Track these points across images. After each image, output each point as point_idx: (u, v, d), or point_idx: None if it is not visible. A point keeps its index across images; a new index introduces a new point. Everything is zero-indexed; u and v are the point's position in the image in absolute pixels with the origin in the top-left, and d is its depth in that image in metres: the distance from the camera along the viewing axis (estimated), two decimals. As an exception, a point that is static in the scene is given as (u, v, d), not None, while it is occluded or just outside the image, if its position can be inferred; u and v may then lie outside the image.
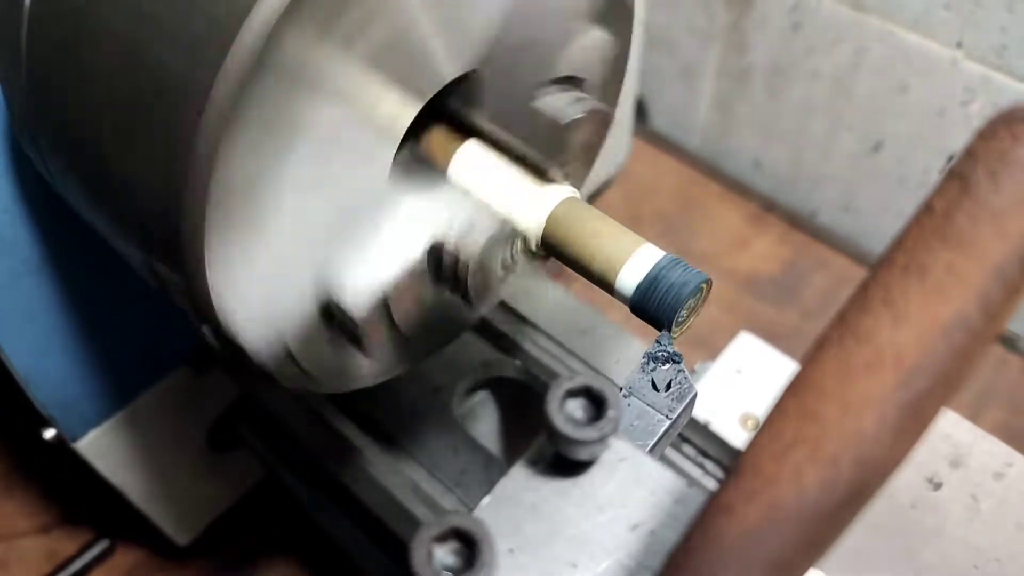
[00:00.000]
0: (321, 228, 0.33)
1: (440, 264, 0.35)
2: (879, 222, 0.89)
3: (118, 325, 0.55)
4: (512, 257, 0.37)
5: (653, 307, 0.34)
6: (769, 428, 0.20)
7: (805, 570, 0.19)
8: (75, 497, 0.76)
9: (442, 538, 0.23)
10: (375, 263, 0.34)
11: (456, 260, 0.34)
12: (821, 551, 0.19)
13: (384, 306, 0.35)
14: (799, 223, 0.95)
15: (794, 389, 0.20)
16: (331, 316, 0.34)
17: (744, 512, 0.19)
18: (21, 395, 0.53)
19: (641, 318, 0.35)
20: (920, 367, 0.19)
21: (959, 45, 0.74)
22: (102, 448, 0.59)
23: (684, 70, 0.96)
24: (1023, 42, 0.71)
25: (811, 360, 0.20)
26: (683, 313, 0.34)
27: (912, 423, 0.19)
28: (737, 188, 0.98)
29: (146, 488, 0.64)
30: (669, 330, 0.34)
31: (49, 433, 0.56)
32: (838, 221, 0.93)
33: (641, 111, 1.03)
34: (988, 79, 0.74)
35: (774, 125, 0.92)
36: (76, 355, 0.54)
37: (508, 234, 0.36)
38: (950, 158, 0.80)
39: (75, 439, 0.57)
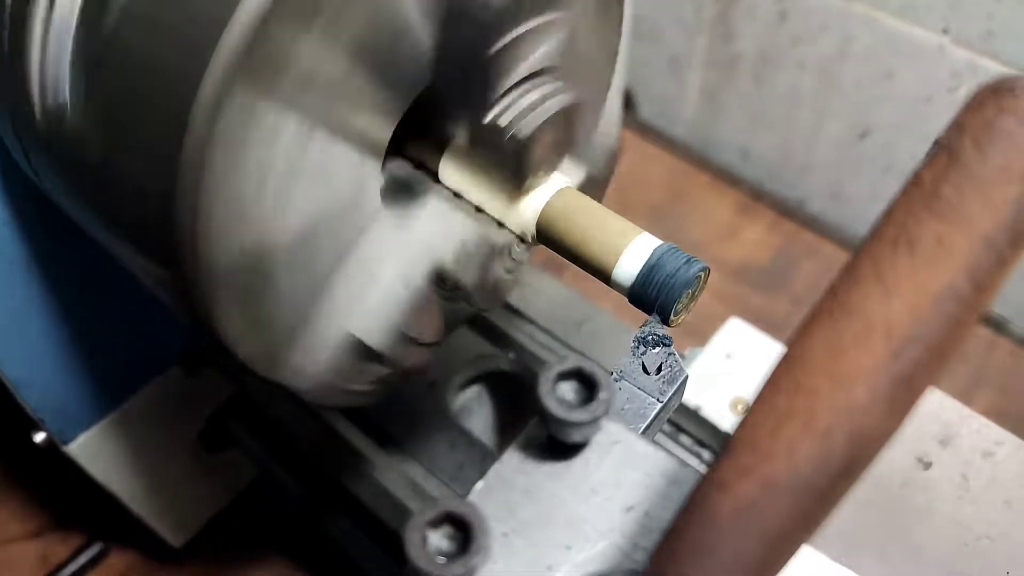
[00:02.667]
0: (322, 266, 0.33)
1: (446, 286, 0.35)
2: (867, 209, 0.90)
3: (108, 326, 0.55)
4: (513, 258, 0.36)
5: (652, 296, 0.34)
6: (762, 403, 0.20)
7: (801, 543, 0.19)
8: (67, 500, 0.75)
9: (436, 523, 0.23)
10: (383, 302, 0.34)
11: (457, 283, 0.34)
12: (816, 524, 0.19)
13: (406, 337, 0.35)
14: (788, 211, 0.95)
15: (786, 363, 0.20)
16: (368, 353, 0.35)
17: (739, 487, 0.19)
18: (10, 398, 0.53)
19: (639, 308, 0.35)
20: (911, 338, 0.19)
21: (945, 31, 0.74)
22: (94, 451, 0.59)
23: (671, 61, 0.96)
24: (1009, 27, 0.71)
25: (802, 334, 0.20)
26: (682, 302, 0.34)
27: (904, 394, 0.19)
28: (726, 178, 0.99)
29: (139, 490, 0.64)
30: (668, 319, 0.34)
31: (39, 437, 0.56)
32: (826, 209, 0.93)
33: (629, 102, 1.03)
34: (975, 65, 0.74)
35: (762, 114, 0.92)
36: (66, 357, 0.54)
37: (503, 244, 0.36)
38: (935, 144, 0.81)
39: (66, 442, 0.57)
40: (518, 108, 0.35)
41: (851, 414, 0.19)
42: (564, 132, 0.36)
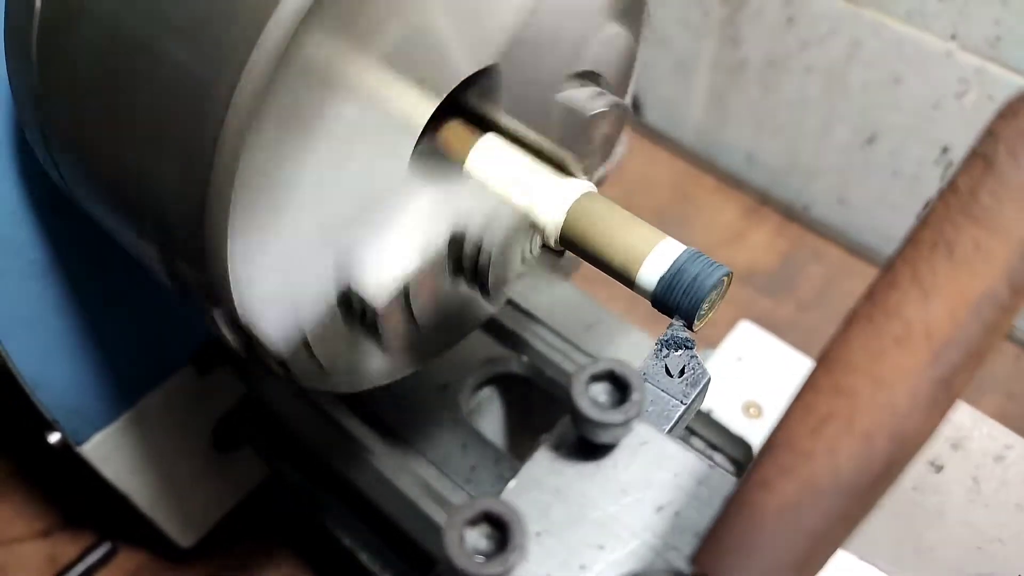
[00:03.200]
0: (341, 220, 0.33)
1: (460, 255, 0.35)
2: (873, 214, 0.90)
3: (123, 327, 0.55)
4: (531, 250, 0.37)
5: (676, 301, 0.34)
6: (802, 404, 0.20)
7: (841, 543, 0.19)
8: (76, 500, 0.75)
9: (473, 521, 0.23)
10: (395, 254, 0.34)
11: (478, 250, 0.34)
12: (856, 524, 0.20)
13: (403, 297, 0.35)
14: (794, 216, 0.96)
15: (825, 365, 0.20)
16: (350, 306, 0.34)
17: (781, 487, 0.19)
18: (23, 399, 0.53)
19: (663, 312, 0.35)
20: (951, 342, 0.19)
21: (953, 37, 0.75)
22: (107, 451, 0.59)
23: (678, 64, 0.97)
24: (1017, 33, 0.71)
25: (841, 336, 0.21)
26: (705, 306, 0.34)
27: (943, 397, 0.20)
28: (731, 182, 0.99)
29: (151, 491, 0.64)
30: (692, 324, 0.34)
31: (54, 437, 0.56)
32: (832, 213, 0.94)
33: (635, 105, 1.03)
34: (982, 70, 0.75)
35: (768, 119, 0.93)
36: (82, 358, 0.54)
37: (529, 225, 0.36)
38: (944, 149, 0.81)
39: (80, 443, 0.57)
40: (582, 94, 0.38)
41: (892, 416, 0.19)
42: (614, 129, 0.39)
